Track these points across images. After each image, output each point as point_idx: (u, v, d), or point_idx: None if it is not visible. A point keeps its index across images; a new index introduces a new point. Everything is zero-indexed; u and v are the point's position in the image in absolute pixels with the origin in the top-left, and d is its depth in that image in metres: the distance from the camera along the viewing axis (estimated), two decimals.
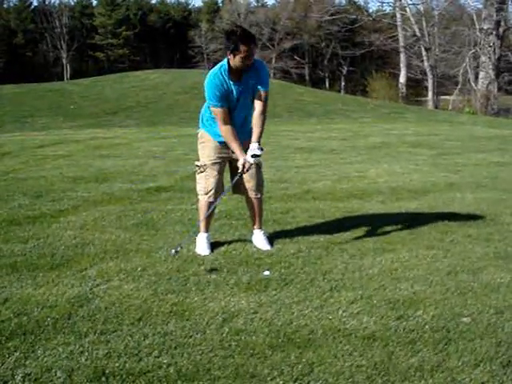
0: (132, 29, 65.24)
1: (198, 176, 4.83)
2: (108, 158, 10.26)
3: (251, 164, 4.52)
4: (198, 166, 4.81)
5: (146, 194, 6.98)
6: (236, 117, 4.60)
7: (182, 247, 4.41)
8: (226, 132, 4.54)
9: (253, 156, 4.48)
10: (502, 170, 9.07)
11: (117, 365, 2.93)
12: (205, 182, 4.76)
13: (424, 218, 5.82)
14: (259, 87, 4.55)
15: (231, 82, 4.47)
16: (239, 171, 4.55)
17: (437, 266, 4.44)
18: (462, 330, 3.34)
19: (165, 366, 2.92)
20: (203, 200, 4.82)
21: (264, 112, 4.60)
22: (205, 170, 4.74)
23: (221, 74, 4.46)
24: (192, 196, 6.08)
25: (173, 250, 4.29)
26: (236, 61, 4.35)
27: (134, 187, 7.37)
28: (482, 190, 7.42)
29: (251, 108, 4.66)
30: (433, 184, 7.77)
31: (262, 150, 4.54)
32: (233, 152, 4.69)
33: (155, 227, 5.47)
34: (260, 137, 4.57)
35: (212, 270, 4.24)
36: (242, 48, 4.28)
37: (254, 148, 4.50)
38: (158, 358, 3.01)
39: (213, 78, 4.47)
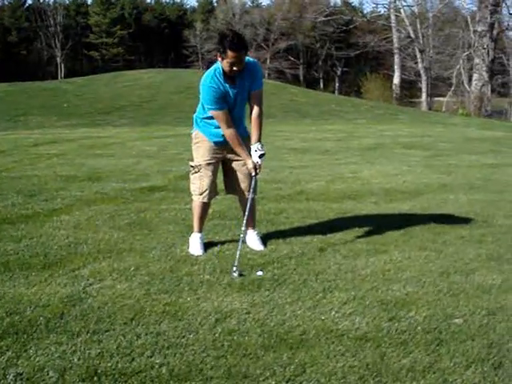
0: (127, 28, 65.08)
1: (192, 176, 4.82)
2: (101, 158, 10.25)
3: (260, 164, 4.57)
4: (192, 166, 4.80)
5: (140, 194, 6.97)
6: (233, 117, 4.60)
7: (235, 267, 4.22)
8: (230, 136, 4.55)
9: (260, 156, 4.54)
10: (494, 172, 9.11)
11: (109, 364, 2.93)
12: (199, 183, 4.76)
13: (417, 220, 5.84)
14: (254, 88, 4.55)
15: (227, 85, 4.47)
16: (253, 175, 4.60)
17: (429, 267, 4.46)
18: (453, 331, 3.35)
19: (157, 366, 2.92)
20: (197, 200, 4.82)
21: (261, 113, 4.62)
22: (199, 171, 4.74)
23: (216, 76, 4.45)
24: (185, 196, 6.08)
25: (234, 274, 4.18)
26: (224, 65, 4.36)
27: (128, 187, 7.36)
28: (475, 191, 7.45)
29: (245, 108, 4.67)
30: (426, 185, 7.80)
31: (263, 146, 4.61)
32: (227, 152, 4.70)
33: (148, 227, 5.46)
34: (260, 137, 4.59)
35: (240, 275, 4.19)
36: (230, 54, 4.27)
37: (258, 148, 4.54)
38: (151, 357, 3.01)
39: (209, 81, 4.46)
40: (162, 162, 9.78)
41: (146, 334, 3.26)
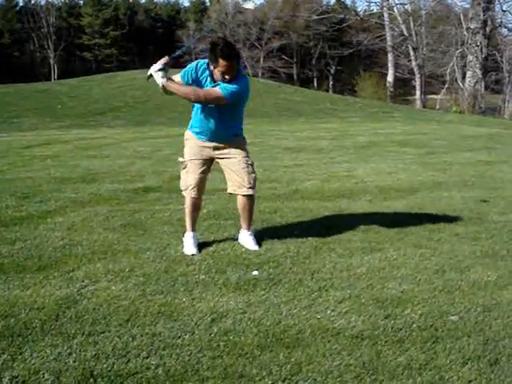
0: (120, 29, 64.98)
1: (181, 172, 4.92)
2: (96, 159, 10.22)
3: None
4: (180, 162, 4.90)
5: (134, 195, 6.95)
6: (210, 115, 4.61)
7: None
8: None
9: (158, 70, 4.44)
10: (489, 169, 9.13)
11: (105, 366, 2.92)
12: (185, 178, 4.85)
13: (412, 217, 5.85)
14: (223, 90, 4.44)
15: (209, 78, 4.48)
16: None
17: (424, 264, 4.46)
18: (449, 329, 3.35)
19: (153, 367, 2.92)
20: (187, 196, 4.87)
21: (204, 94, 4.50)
22: (186, 167, 4.83)
23: (206, 65, 4.49)
24: (180, 197, 6.05)
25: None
26: (215, 74, 4.41)
27: (122, 188, 7.34)
28: (470, 188, 7.47)
29: (231, 113, 4.62)
30: (420, 183, 7.81)
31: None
32: (213, 150, 4.74)
33: (143, 228, 5.45)
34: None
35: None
36: (221, 63, 4.31)
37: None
38: (147, 359, 3.00)
39: (197, 61, 4.55)
40: (157, 162, 9.75)
41: (142, 335, 3.25)
